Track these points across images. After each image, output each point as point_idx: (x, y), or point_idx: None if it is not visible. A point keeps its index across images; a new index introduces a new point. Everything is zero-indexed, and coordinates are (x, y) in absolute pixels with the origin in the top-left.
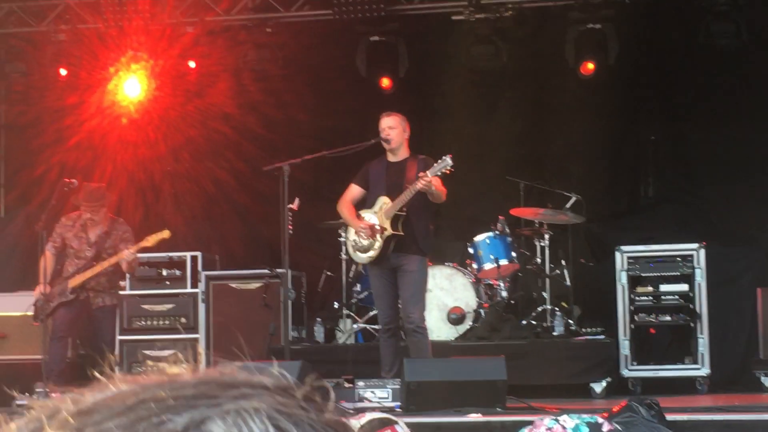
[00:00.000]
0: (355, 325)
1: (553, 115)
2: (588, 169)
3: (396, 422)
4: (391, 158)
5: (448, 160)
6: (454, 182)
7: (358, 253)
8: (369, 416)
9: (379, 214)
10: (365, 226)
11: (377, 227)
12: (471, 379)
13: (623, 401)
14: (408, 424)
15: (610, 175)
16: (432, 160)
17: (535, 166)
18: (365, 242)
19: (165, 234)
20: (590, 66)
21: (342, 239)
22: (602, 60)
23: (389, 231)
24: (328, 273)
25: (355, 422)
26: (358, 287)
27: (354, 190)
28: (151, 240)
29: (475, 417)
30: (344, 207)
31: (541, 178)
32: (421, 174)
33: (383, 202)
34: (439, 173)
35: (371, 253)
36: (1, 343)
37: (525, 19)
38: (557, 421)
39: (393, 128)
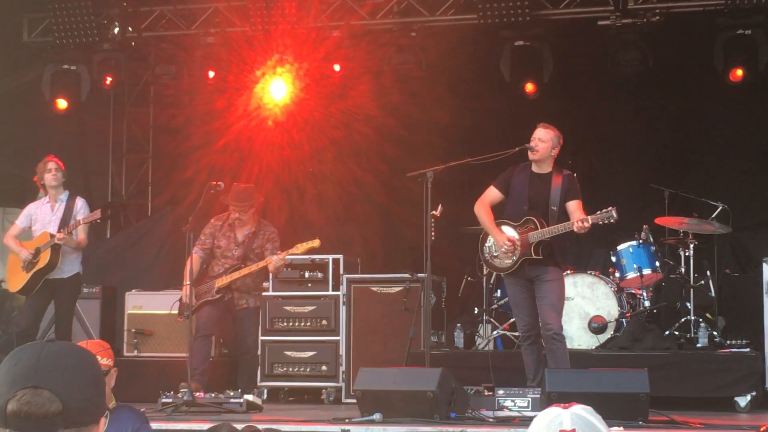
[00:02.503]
0: (495, 332)
1: (699, 121)
2: (735, 178)
3: None
4: (535, 169)
5: (612, 214)
6: (598, 190)
7: (491, 261)
8: None
9: (522, 233)
10: (510, 243)
11: (518, 244)
12: (613, 391)
13: None
14: None
15: (758, 183)
16: (576, 179)
17: (680, 173)
18: (501, 254)
19: (315, 243)
20: (739, 72)
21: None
22: (752, 66)
23: (531, 255)
24: (469, 278)
25: None
26: (498, 293)
27: (493, 194)
28: (301, 248)
29: (616, 430)
30: (483, 210)
31: (686, 186)
32: (582, 218)
33: (532, 223)
34: (600, 222)
35: (505, 266)
36: (148, 340)
37: (672, 24)
38: None
39: (543, 141)
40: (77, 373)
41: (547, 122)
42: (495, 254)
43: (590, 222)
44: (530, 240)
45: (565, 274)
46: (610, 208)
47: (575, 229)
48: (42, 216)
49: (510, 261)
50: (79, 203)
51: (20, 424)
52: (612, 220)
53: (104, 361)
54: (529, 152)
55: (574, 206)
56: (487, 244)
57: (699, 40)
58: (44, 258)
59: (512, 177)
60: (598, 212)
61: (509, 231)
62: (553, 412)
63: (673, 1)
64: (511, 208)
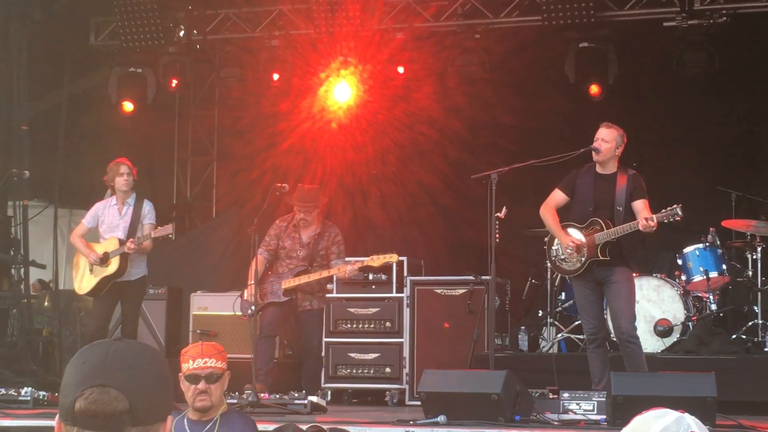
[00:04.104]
0: (559, 335)
1: (766, 123)
2: None
3: None
4: (599, 170)
5: (677, 211)
6: (663, 192)
7: (559, 264)
8: None
9: (588, 235)
10: (573, 244)
11: (584, 246)
12: (680, 395)
13: None
14: None
15: None
16: (641, 177)
17: (747, 176)
18: (568, 256)
19: (393, 258)
20: None
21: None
22: None
23: (598, 256)
24: (533, 281)
25: None
26: (562, 296)
27: (558, 197)
28: (377, 261)
29: None
30: (548, 214)
31: (754, 188)
32: (647, 217)
33: (597, 225)
34: (665, 221)
35: (573, 269)
36: (213, 341)
37: (739, 25)
38: None
39: (606, 141)
40: (144, 371)
41: (616, 130)
42: (562, 257)
43: (655, 221)
44: (596, 241)
45: None
46: (675, 205)
47: (641, 228)
48: (109, 218)
49: (578, 264)
50: (146, 207)
51: (88, 422)
52: (677, 218)
53: (219, 364)
54: (593, 153)
55: (640, 206)
56: (554, 248)
57: (766, 40)
58: (113, 265)
59: (577, 179)
60: (663, 210)
61: (575, 233)
62: (673, 414)
63: (740, 1)
64: (577, 210)
